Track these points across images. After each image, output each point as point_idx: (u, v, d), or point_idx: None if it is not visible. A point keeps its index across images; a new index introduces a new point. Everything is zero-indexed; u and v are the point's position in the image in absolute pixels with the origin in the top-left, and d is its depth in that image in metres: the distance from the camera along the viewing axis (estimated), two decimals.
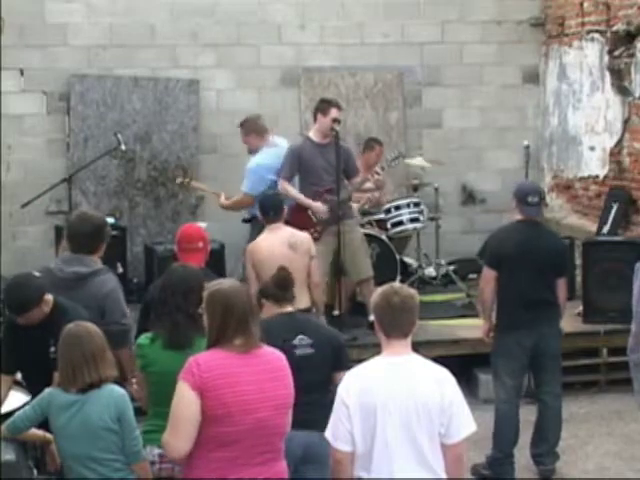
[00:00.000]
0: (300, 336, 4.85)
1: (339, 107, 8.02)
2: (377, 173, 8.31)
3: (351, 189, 8.15)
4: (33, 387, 4.94)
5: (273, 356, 4.08)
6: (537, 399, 6.62)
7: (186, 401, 3.86)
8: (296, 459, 4.64)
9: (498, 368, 6.51)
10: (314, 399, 4.74)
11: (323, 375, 4.87)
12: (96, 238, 5.50)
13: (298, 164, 7.99)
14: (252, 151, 8.48)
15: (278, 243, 6.67)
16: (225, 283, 4.13)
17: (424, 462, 3.96)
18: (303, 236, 6.89)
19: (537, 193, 6.53)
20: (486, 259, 6.55)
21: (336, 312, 8.08)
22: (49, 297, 4.94)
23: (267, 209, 6.88)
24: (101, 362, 4.32)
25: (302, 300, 6.47)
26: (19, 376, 5.23)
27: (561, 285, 6.49)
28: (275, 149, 8.35)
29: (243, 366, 3.92)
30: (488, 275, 6.47)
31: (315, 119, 8.07)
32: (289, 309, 5.01)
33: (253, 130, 8.48)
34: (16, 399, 5.03)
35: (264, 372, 3.96)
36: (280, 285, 5.02)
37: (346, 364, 4.85)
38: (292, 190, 8.01)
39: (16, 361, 5.02)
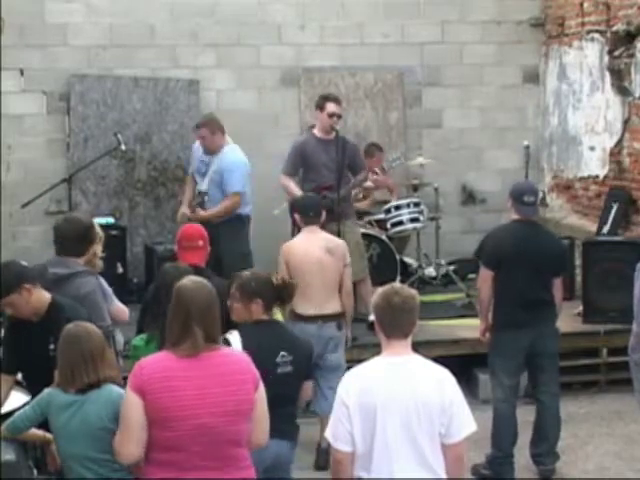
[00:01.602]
0: (282, 353, 4.77)
1: (336, 101, 8.03)
2: (375, 173, 8.35)
3: (350, 186, 8.15)
4: (33, 385, 4.94)
5: (227, 359, 3.96)
6: (535, 399, 6.62)
7: (130, 405, 3.84)
8: (265, 466, 4.64)
9: (495, 367, 6.51)
10: (287, 411, 4.80)
11: (297, 388, 4.89)
12: (82, 241, 5.52)
13: (301, 159, 8.01)
14: (214, 150, 8.13)
15: (315, 246, 6.61)
16: (186, 281, 4.05)
17: (424, 462, 3.96)
18: (340, 242, 6.83)
19: (533, 192, 6.53)
20: (483, 259, 6.55)
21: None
22: (35, 290, 4.91)
23: (307, 209, 6.75)
24: (100, 362, 4.31)
25: (332, 305, 6.55)
26: (19, 376, 5.24)
27: (557, 285, 6.49)
28: (235, 145, 8.29)
29: (187, 370, 3.84)
30: (485, 275, 6.47)
31: (316, 116, 8.12)
32: (266, 317, 4.92)
33: (219, 128, 8.15)
34: (16, 399, 5.03)
35: (210, 377, 3.86)
36: (283, 297, 4.96)
37: (312, 374, 4.99)
38: (291, 185, 8.01)
39: (17, 360, 5.02)
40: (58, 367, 4.36)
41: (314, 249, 6.60)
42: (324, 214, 6.87)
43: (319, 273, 6.45)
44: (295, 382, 4.84)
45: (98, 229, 5.75)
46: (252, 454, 4.23)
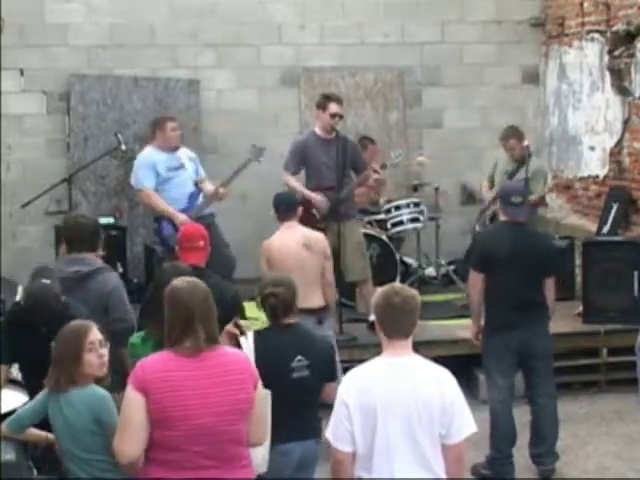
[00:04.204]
0: (298, 357, 4.73)
1: (338, 101, 8.03)
2: (376, 172, 8.34)
3: (352, 186, 8.15)
4: (32, 380, 4.97)
5: (226, 359, 3.95)
6: (530, 400, 6.59)
7: (132, 404, 3.83)
8: (292, 468, 4.71)
9: (490, 369, 6.52)
10: (307, 414, 4.80)
11: (316, 392, 4.85)
12: (95, 235, 5.60)
13: (302, 158, 8.01)
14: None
15: (293, 243, 6.61)
16: (180, 281, 4.05)
17: (424, 462, 3.96)
18: (318, 236, 6.80)
19: (520, 193, 6.53)
20: (472, 262, 6.55)
21: None
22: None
23: (278, 203, 6.77)
24: (72, 366, 4.29)
25: (315, 299, 6.54)
26: (16, 374, 5.26)
27: (549, 285, 6.47)
28: None
29: (188, 370, 3.85)
30: (474, 278, 6.46)
31: (317, 115, 8.11)
32: (288, 320, 4.90)
33: None
34: (16, 399, 5.03)
35: (210, 376, 3.86)
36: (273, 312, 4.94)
37: (336, 375, 4.90)
38: (294, 183, 8.03)
39: (14, 352, 5.06)
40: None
41: (292, 245, 6.61)
42: (299, 210, 6.83)
43: (298, 269, 6.41)
44: (313, 386, 4.79)
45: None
46: (277, 459, 4.37)
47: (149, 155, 8.13)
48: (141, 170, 8.10)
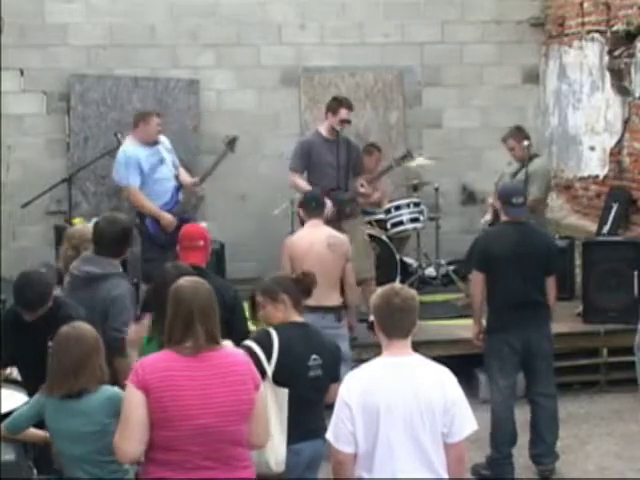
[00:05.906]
0: (314, 356, 4.74)
1: (350, 108, 8.07)
2: (362, 186, 8.37)
3: (354, 191, 8.16)
4: (30, 380, 4.98)
5: (228, 359, 3.95)
6: (529, 400, 6.60)
7: (133, 403, 3.82)
8: (303, 468, 4.73)
9: (491, 369, 6.53)
10: (318, 411, 4.81)
11: (325, 391, 4.86)
12: (119, 243, 5.60)
13: (308, 158, 8.03)
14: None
15: (318, 241, 6.70)
16: (184, 281, 4.05)
17: (426, 462, 3.96)
18: (343, 238, 6.89)
19: (521, 194, 6.58)
20: (474, 262, 6.58)
21: None
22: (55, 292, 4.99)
23: (309, 201, 6.90)
24: (81, 372, 4.26)
25: (332, 298, 6.67)
26: (15, 374, 5.26)
27: (551, 284, 6.50)
28: None
29: (189, 370, 3.84)
30: (477, 278, 6.49)
31: (326, 116, 8.11)
32: (299, 319, 4.91)
33: None
34: (16, 399, 5.03)
35: (211, 377, 3.85)
36: (304, 289, 4.95)
37: (339, 376, 4.88)
38: (301, 184, 8.04)
39: (12, 354, 5.06)
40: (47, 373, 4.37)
41: (316, 244, 6.69)
42: (327, 208, 6.98)
43: (320, 268, 6.46)
44: (324, 385, 4.81)
45: None
46: (291, 459, 4.39)
47: (132, 151, 8.11)
48: (125, 167, 8.09)
